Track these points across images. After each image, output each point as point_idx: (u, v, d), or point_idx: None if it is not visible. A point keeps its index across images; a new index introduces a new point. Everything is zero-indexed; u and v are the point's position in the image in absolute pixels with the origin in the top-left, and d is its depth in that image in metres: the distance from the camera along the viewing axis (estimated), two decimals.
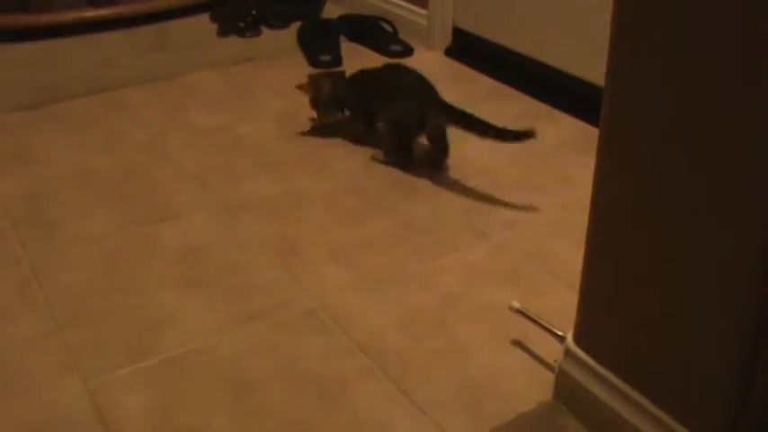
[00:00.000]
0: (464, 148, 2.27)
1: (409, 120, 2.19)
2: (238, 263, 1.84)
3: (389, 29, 3.06)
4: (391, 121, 2.23)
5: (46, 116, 2.50)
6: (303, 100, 2.34)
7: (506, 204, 2.06)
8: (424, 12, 3.04)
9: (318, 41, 2.99)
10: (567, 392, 1.46)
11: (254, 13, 3.22)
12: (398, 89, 2.25)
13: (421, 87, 2.22)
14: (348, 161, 2.25)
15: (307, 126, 2.42)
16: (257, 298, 1.73)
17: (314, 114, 2.37)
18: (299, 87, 2.35)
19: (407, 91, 2.23)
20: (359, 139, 2.33)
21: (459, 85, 2.73)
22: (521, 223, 1.99)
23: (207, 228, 1.96)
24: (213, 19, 3.27)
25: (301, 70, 2.66)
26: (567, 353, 1.44)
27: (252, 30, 3.16)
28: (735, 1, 1.00)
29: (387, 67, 2.41)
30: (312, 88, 2.34)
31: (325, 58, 2.87)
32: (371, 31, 3.07)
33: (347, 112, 2.35)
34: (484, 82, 2.76)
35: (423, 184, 2.15)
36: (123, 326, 1.65)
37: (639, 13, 1.14)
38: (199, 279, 1.79)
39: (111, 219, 1.99)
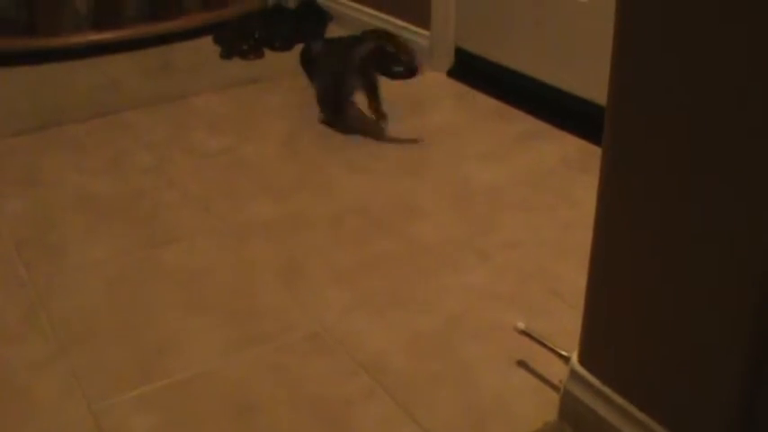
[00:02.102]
0: (466, 168, 2.27)
1: (326, 84, 2.58)
2: (242, 285, 1.84)
3: (392, 50, 3.07)
4: (315, 87, 2.63)
5: (51, 139, 2.51)
6: (306, 121, 2.35)
7: (509, 224, 2.06)
8: (426, 32, 3.05)
9: None
10: (572, 413, 1.45)
11: (256, 35, 3.24)
12: (325, 60, 2.64)
13: (340, 56, 2.56)
14: (351, 182, 2.26)
15: (309, 147, 2.42)
16: (261, 320, 1.73)
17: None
18: None
19: (329, 61, 2.62)
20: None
21: (462, 105, 2.74)
22: (523, 243, 1.99)
23: (211, 250, 1.97)
24: (217, 41, 3.29)
25: (304, 92, 2.67)
26: (572, 373, 1.44)
27: (255, 52, 3.18)
28: (737, 23, 1.01)
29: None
30: None
31: None
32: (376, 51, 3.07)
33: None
34: (486, 102, 2.77)
35: (426, 204, 2.15)
36: (127, 349, 1.65)
37: (641, 33, 1.14)
38: (203, 302, 1.79)
39: (116, 241, 2.00)
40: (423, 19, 3.06)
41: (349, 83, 2.55)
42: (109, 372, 1.59)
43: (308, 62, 2.71)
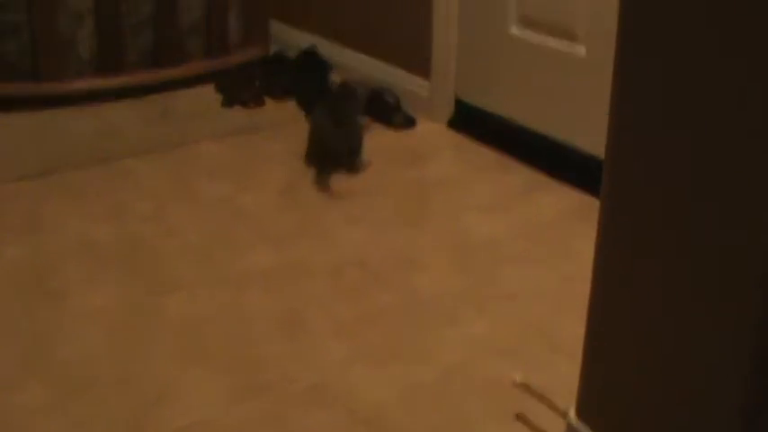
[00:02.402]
0: (465, 220, 2.29)
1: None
2: (242, 335, 1.85)
3: (392, 100, 3.10)
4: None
5: (52, 185, 2.52)
6: (305, 170, 2.37)
7: (508, 276, 2.07)
8: (426, 83, 3.08)
9: None
10: None
11: (257, 83, 3.27)
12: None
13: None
14: (350, 232, 2.27)
15: (309, 196, 2.44)
16: (261, 371, 1.73)
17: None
18: None
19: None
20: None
21: (462, 156, 2.76)
22: (522, 295, 2.00)
23: (210, 299, 1.97)
24: (218, 89, 3.32)
25: (304, 141, 2.69)
26: (570, 428, 1.44)
27: (256, 100, 3.20)
28: (735, 78, 1.03)
29: None
30: None
31: None
32: (374, 102, 3.10)
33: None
34: (486, 153, 2.79)
35: (425, 256, 2.16)
36: (127, 397, 1.65)
37: (639, 86, 1.16)
38: (202, 351, 1.79)
39: (116, 289, 2.00)
40: (423, 69, 3.09)
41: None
42: (108, 420, 1.59)
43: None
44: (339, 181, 2.55)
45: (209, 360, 1.76)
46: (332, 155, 2.55)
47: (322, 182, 2.50)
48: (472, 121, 2.97)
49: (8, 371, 1.72)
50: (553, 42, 2.62)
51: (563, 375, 1.65)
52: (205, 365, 1.74)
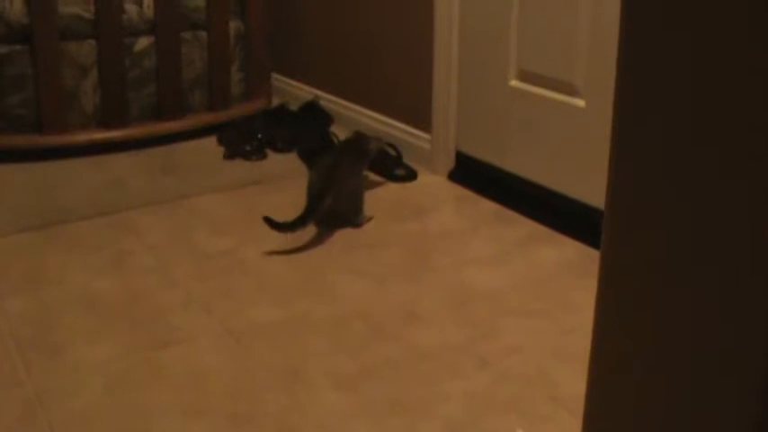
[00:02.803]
0: (466, 273, 2.29)
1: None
2: (242, 389, 1.84)
3: (393, 153, 3.12)
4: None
5: (54, 237, 2.53)
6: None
7: (509, 329, 2.07)
8: (427, 136, 3.10)
9: None
10: None
11: (259, 136, 3.30)
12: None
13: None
14: (353, 286, 2.28)
15: (310, 249, 2.45)
16: (261, 425, 1.73)
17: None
18: None
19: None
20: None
21: (462, 209, 2.77)
22: (524, 349, 2.00)
23: (211, 353, 1.97)
24: (220, 142, 3.35)
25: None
26: None
27: (258, 153, 3.22)
28: (736, 131, 1.03)
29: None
30: None
31: None
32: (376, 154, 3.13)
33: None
34: (486, 205, 2.81)
35: (426, 309, 2.16)
36: None
37: (638, 138, 1.17)
38: (203, 405, 1.79)
39: (117, 343, 2.00)
40: (424, 122, 3.12)
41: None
42: None
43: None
44: (342, 234, 2.56)
45: (209, 414, 1.76)
46: (335, 213, 2.58)
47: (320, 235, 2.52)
48: (473, 174, 2.99)
49: (7, 425, 1.72)
50: (552, 95, 2.64)
51: (564, 429, 1.64)
52: (205, 420, 1.74)
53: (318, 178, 2.61)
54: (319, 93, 3.75)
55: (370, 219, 2.66)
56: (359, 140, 2.85)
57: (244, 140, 3.28)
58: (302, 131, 3.36)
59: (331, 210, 2.55)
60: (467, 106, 2.98)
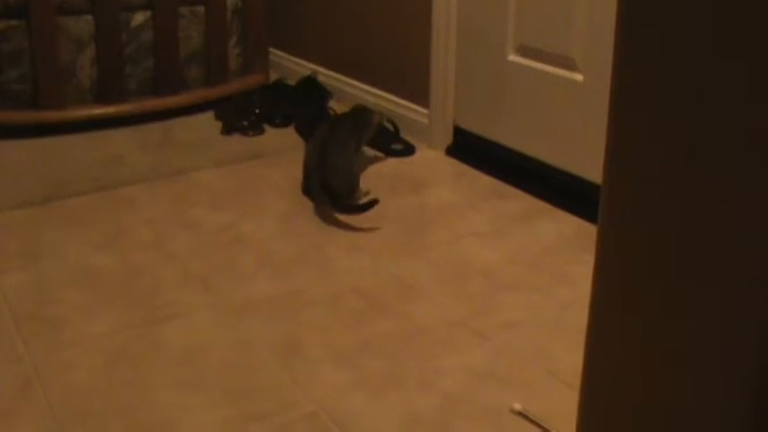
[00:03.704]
0: (463, 248, 2.29)
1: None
2: (240, 363, 1.85)
3: (391, 128, 3.12)
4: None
5: (52, 213, 2.53)
6: (305, 198, 2.38)
7: (506, 304, 2.08)
8: (425, 111, 3.10)
9: None
10: None
11: (257, 111, 3.29)
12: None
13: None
14: (351, 261, 2.28)
15: (308, 224, 2.45)
16: (258, 399, 1.73)
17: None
18: None
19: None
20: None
21: (460, 184, 2.77)
22: (520, 323, 2.00)
23: (209, 328, 1.98)
24: (218, 117, 3.34)
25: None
26: None
27: (255, 128, 3.21)
28: (736, 98, 1.03)
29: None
30: None
31: None
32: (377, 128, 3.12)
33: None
34: (484, 180, 2.80)
35: (424, 284, 2.16)
36: (125, 426, 1.65)
37: (637, 113, 1.17)
38: (200, 379, 1.79)
39: (115, 317, 2.01)
40: (422, 97, 3.11)
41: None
42: None
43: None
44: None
45: (207, 388, 1.76)
46: (328, 189, 2.54)
47: (322, 212, 2.51)
48: (470, 149, 2.99)
49: (5, 400, 1.72)
50: (551, 70, 2.63)
51: (562, 403, 1.65)
52: (203, 394, 1.74)
53: (311, 154, 2.60)
54: (317, 68, 3.74)
55: (367, 194, 2.65)
56: (358, 113, 2.85)
57: (241, 115, 3.27)
58: (300, 106, 3.35)
59: (326, 184, 2.53)
60: (465, 81, 2.97)
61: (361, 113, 2.85)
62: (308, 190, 2.62)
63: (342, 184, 2.56)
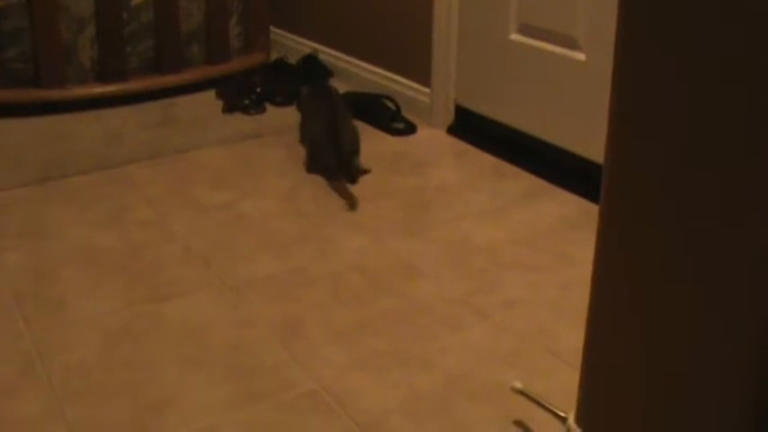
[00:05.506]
0: (465, 227, 2.29)
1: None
2: (241, 342, 1.85)
3: (392, 106, 3.11)
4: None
5: (53, 191, 2.53)
6: (306, 176, 2.38)
7: (507, 283, 2.08)
8: (426, 90, 3.09)
9: None
10: None
11: (258, 90, 3.28)
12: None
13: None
14: (352, 240, 2.27)
15: (310, 203, 2.44)
16: (260, 378, 1.73)
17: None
18: None
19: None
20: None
21: (462, 163, 2.77)
22: (522, 302, 2.00)
23: (210, 306, 1.98)
24: (219, 96, 3.33)
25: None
26: None
27: (257, 107, 3.21)
28: (735, 84, 1.03)
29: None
30: None
31: None
32: (375, 108, 3.11)
33: None
34: (486, 159, 2.80)
35: (425, 263, 2.16)
36: (126, 404, 1.65)
37: (639, 92, 1.16)
38: (201, 358, 1.79)
39: (116, 296, 2.01)
40: (423, 76, 3.10)
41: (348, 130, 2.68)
42: (106, 427, 1.59)
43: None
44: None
45: (208, 367, 1.76)
46: (346, 164, 2.59)
47: (340, 188, 2.51)
48: (472, 128, 2.98)
49: (8, 378, 1.72)
50: (553, 49, 2.62)
51: (562, 382, 1.65)
52: (204, 372, 1.75)
53: (320, 134, 2.61)
54: (318, 46, 3.73)
55: (367, 171, 2.65)
56: (324, 86, 2.96)
57: (242, 94, 3.26)
58: (301, 85, 3.34)
59: (342, 160, 2.58)
60: (466, 60, 2.96)
61: (324, 86, 3.00)
62: (315, 168, 2.62)
63: (351, 144, 2.65)
